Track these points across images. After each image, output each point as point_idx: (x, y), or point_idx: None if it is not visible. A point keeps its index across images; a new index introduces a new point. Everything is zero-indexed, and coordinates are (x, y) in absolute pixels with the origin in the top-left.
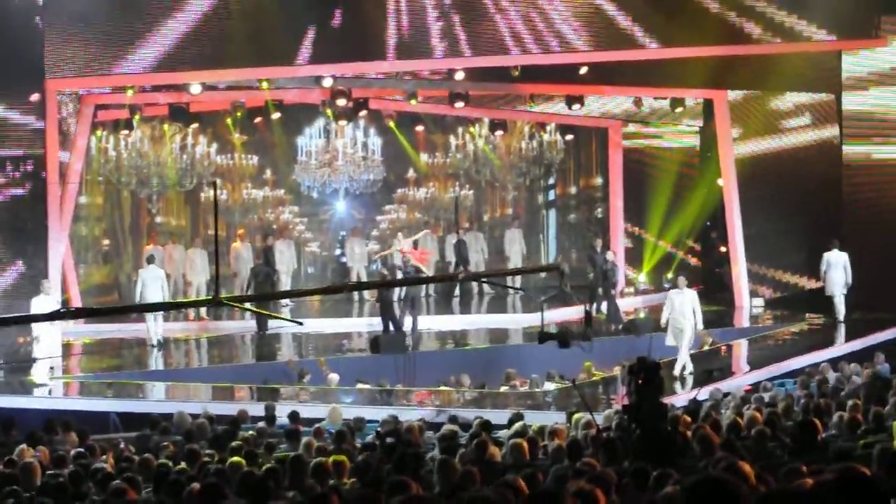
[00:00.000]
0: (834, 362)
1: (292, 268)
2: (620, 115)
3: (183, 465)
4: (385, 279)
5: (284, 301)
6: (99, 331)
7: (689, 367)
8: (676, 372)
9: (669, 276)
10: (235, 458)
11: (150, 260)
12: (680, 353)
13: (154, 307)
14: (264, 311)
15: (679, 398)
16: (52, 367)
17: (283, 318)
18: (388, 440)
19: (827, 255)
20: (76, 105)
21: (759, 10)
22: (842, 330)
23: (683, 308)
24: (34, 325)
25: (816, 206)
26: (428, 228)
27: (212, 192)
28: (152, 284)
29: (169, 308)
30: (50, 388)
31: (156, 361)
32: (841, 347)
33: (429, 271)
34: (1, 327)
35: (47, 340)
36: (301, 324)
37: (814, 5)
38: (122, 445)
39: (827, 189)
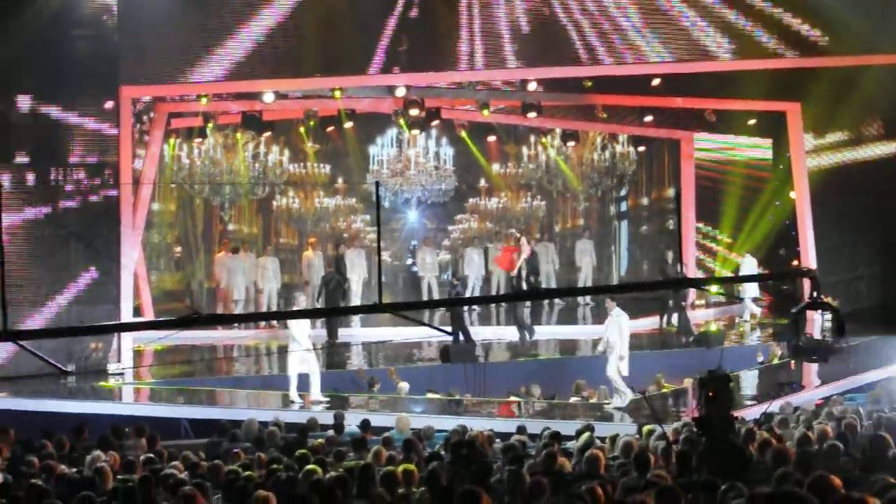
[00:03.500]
0: None
1: (363, 277)
2: (693, 126)
3: (252, 472)
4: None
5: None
6: (171, 338)
7: (625, 397)
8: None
9: (740, 288)
10: (311, 466)
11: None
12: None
13: (323, 313)
14: (422, 321)
15: (750, 412)
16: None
17: (433, 327)
18: (463, 451)
19: (742, 261)
20: (150, 113)
21: (834, 21)
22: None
23: (609, 331)
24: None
25: (890, 219)
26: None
27: (284, 201)
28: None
29: (335, 314)
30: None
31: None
32: None
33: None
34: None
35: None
36: (450, 333)
37: (890, 17)
38: (192, 452)
39: None
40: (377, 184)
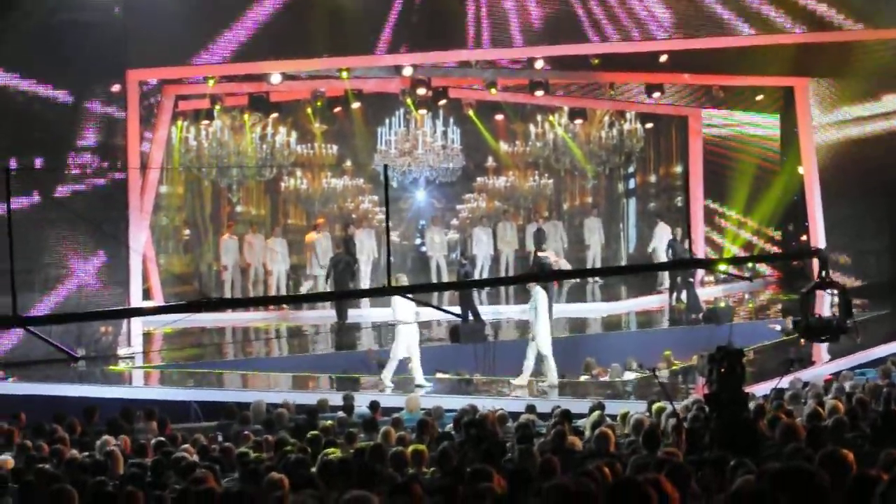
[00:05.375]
0: None
1: (373, 257)
2: (701, 102)
3: (261, 454)
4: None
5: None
6: (180, 320)
7: (552, 378)
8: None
9: (750, 265)
10: (331, 450)
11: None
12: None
13: (325, 296)
14: (430, 303)
15: (759, 387)
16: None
17: (441, 309)
18: (472, 431)
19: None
20: (157, 95)
21: None
22: None
23: (529, 311)
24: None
25: None
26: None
27: (291, 182)
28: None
29: (340, 297)
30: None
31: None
32: None
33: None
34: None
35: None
36: (459, 315)
37: None
38: (202, 435)
39: None
40: (385, 167)
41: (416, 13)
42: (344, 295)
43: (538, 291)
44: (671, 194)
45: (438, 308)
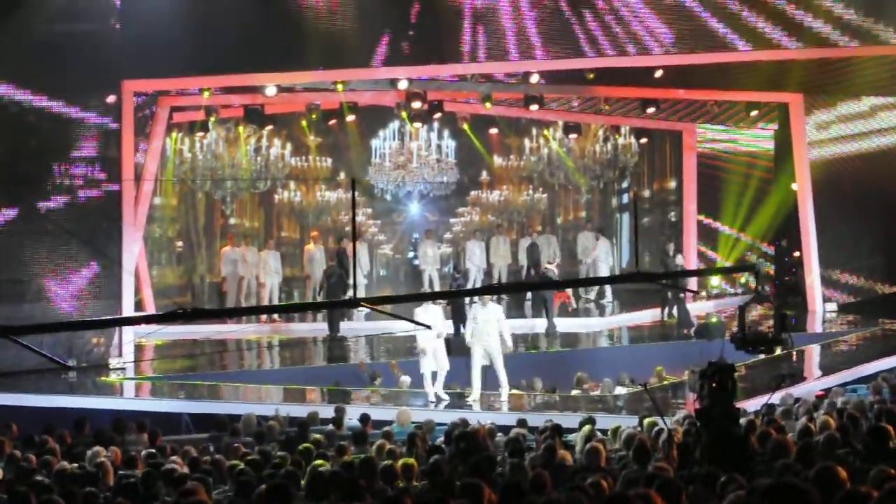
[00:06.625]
0: None
1: (365, 270)
2: (695, 117)
3: (251, 466)
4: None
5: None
6: (172, 332)
7: (505, 392)
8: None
9: (742, 280)
10: (319, 461)
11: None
12: (498, 375)
13: (297, 307)
14: (400, 315)
15: (750, 403)
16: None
17: (415, 322)
18: (461, 444)
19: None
20: (152, 107)
21: (836, 13)
22: None
23: (487, 325)
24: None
25: (892, 210)
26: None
27: (285, 194)
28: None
29: (307, 309)
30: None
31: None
32: None
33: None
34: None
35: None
36: (429, 327)
37: (891, 8)
38: (193, 447)
39: None
40: (353, 180)
41: (412, 27)
42: (304, 307)
43: (497, 308)
44: (665, 209)
45: (409, 320)
